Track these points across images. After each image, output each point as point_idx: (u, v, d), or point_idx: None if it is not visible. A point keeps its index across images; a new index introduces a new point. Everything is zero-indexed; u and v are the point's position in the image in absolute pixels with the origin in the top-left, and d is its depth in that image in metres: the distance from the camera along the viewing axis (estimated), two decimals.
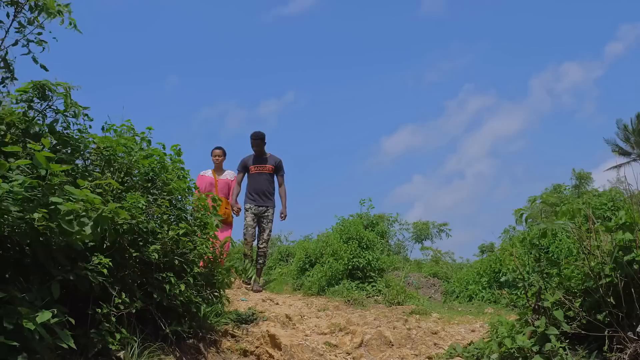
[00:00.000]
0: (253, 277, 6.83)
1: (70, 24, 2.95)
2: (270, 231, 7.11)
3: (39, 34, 2.91)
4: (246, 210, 7.11)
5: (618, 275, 2.55)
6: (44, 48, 2.92)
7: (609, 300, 2.58)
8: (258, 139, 7.09)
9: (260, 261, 7.00)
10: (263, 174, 7.09)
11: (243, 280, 7.05)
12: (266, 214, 7.00)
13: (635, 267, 2.55)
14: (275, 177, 7.21)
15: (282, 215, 7.07)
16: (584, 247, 2.76)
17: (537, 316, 2.76)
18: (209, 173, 7.44)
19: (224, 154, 7.54)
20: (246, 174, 7.26)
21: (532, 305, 2.83)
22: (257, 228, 7.07)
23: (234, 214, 7.18)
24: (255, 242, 7.12)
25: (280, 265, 10.25)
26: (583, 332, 2.63)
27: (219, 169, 7.47)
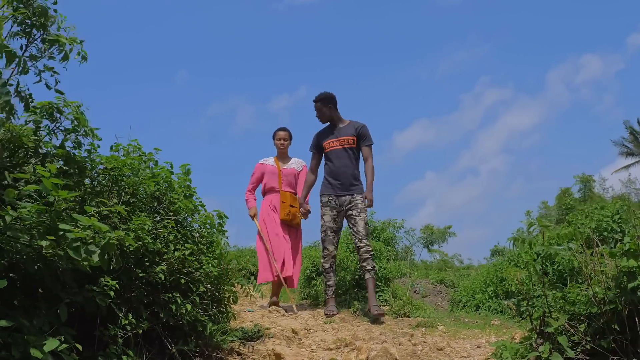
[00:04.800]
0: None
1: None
2: (365, 223, 5.23)
3: (58, 60, 2.95)
4: (323, 205, 5.34)
5: (622, 301, 2.55)
6: (57, 81, 2.96)
7: (613, 326, 2.58)
8: (318, 102, 5.31)
9: (369, 267, 5.18)
10: (341, 149, 5.27)
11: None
12: (353, 202, 5.21)
13: None
14: (360, 151, 5.32)
15: (367, 200, 5.23)
16: (588, 271, 2.76)
17: (541, 341, 2.76)
18: (270, 161, 5.95)
19: (290, 137, 5.94)
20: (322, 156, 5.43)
21: (536, 329, 2.83)
22: (339, 230, 5.40)
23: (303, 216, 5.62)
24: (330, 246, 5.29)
25: None
26: (587, 358, 2.63)
27: (283, 156, 5.95)
